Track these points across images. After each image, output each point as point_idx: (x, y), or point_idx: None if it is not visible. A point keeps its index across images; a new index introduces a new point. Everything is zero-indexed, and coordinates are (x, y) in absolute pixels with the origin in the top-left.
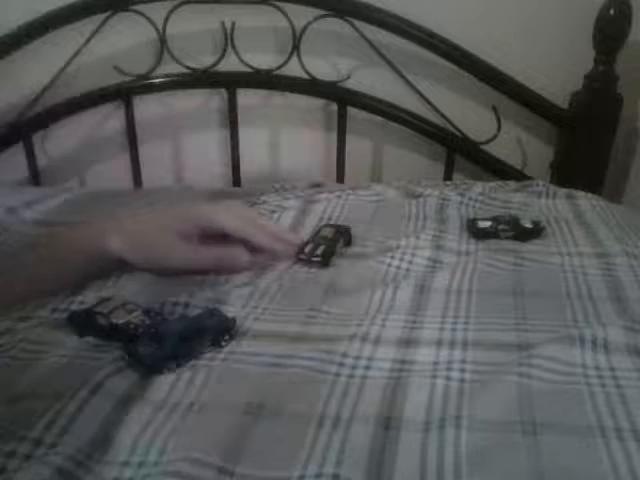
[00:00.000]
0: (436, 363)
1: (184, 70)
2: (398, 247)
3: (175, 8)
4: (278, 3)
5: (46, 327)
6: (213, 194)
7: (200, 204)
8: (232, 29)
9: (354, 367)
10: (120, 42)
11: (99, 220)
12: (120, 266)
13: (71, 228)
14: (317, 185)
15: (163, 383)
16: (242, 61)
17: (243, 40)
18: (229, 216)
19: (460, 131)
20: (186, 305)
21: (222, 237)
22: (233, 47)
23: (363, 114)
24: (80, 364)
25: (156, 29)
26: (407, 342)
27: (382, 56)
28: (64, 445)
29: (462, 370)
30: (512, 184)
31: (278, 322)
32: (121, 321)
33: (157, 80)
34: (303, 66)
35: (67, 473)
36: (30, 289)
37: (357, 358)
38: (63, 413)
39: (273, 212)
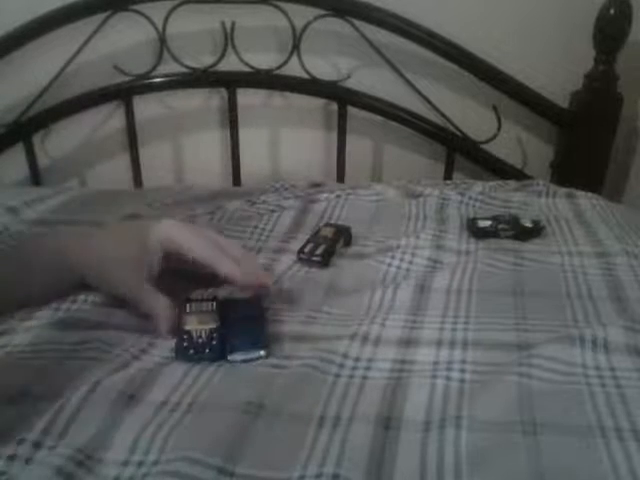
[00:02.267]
0: (436, 363)
1: (184, 70)
2: (398, 247)
3: (175, 8)
4: (278, 3)
5: (46, 327)
6: (213, 194)
7: (166, 223)
8: (232, 29)
9: (354, 367)
10: (120, 42)
11: (69, 234)
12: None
13: (41, 237)
14: (317, 185)
15: (163, 383)
16: (242, 61)
17: (243, 40)
18: (199, 243)
19: (460, 130)
20: None
21: (186, 261)
22: (233, 47)
23: (363, 114)
24: (79, 363)
25: (156, 29)
26: (407, 342)
27: (382, 56)
28: (64, 446)
29: (462, 370)
30: (512, 183)
31: (278, 322)
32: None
33: (157, 80)
34: (303, 66)
35: (67, 473)
36: None
37: (357, 359)
38: (63, 413)
39: (273, 212)
